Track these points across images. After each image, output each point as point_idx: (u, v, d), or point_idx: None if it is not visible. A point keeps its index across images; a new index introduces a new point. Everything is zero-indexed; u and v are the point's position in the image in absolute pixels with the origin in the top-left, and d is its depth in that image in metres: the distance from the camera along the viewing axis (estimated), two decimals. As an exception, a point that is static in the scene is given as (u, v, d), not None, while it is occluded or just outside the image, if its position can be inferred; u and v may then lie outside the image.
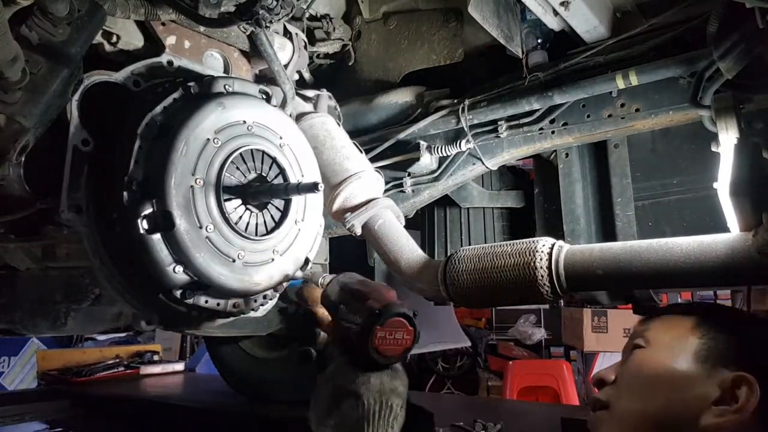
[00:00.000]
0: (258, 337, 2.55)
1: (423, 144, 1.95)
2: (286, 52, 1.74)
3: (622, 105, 1.67)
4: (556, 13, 1.62)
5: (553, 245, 1.38)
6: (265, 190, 1.35)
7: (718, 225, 1.47)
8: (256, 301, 1.44)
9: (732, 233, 1.22)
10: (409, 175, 2.03)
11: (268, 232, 1.39)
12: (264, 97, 1.47)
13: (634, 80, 1.55)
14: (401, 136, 2.00)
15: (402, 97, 2.09)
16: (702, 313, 1.04)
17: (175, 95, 1.33)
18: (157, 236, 1.21)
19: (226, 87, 1.38)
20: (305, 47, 1.83)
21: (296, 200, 1.43)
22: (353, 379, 0.99)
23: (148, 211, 1.20)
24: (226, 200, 1.29)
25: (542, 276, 1.33)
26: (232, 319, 1.45)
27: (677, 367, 0.96)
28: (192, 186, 1.24)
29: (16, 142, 1.10)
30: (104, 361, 3.71)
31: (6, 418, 2.81)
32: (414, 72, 2.11)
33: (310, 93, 1.82)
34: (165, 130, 1.26)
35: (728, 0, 1.26)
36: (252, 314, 1.48)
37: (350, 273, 1.21)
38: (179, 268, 1.24)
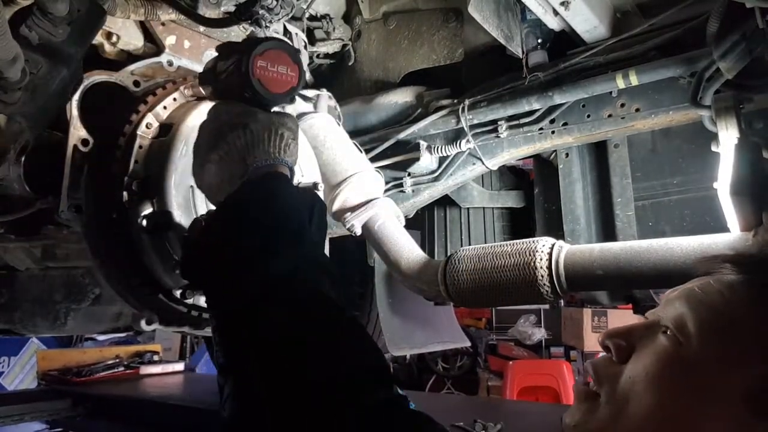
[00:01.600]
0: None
1: (423, 144, 1.95)
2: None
3: (622, 105, 1.67)
4: (556, 13, 1.62)
5: (553, 245, 1.38)
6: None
7: (718, 225, 1.47)
8: (256, 301, 1.44)
9: (732, 233, 1.22)
10: (409, 175, 2.03)
11: (268, 232, 1.39)
12: (264, 97, 1.47)
13: (634, 80, 1.55)
14: (401, 136, 1.99)
15: (402, 97, 2.09)
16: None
17: (175, 95, 1.33)
18: (157, 236, 1.21)
19: (226, 87, 1.38)
20: (305, 47, 1.83)
21: (296, 200, 1.43)
22: (239, 112, 0.91)
23: (148, 210, 1.20)
24: (226, 200, 1.29)
25: (542, 276, 1.33)
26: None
27: (708, 378, 0.64)
28: (192, 186, 1.24)
29: (16, 142, 1.10)
30: (104, 361, 3.70)
31: (6, 418, 2.80)
32: (414, 72, 2.11)
33: (310, 93, 1.81)
34: (165, 130, 1.26)
35: (728, 0, 1.26)
36: (252, 314, 1.48)
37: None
38: (179, 268, 1.24)
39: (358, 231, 1.66)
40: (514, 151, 1.88)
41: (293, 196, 0.86)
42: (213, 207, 0.96)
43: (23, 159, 1.22)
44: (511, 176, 2.38)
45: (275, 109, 0.98)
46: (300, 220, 0.83)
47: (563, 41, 1.77)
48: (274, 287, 0.74)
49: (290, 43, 0.98)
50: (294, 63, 0.95)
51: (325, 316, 0.74)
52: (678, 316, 0.69)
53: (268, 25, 1.42)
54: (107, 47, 1.40)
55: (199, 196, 1.25)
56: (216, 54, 1.00)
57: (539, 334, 6.92)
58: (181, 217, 1.21)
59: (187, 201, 1.23)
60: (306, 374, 0.68)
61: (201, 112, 1.29)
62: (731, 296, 0.67)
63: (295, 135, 0.94)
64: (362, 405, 0.66)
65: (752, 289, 0.66)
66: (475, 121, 1.89)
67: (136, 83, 1.37)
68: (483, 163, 1.92)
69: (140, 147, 1.25)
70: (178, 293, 1.26)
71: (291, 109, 1.64)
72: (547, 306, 6.78)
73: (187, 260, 0.90)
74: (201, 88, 1.09)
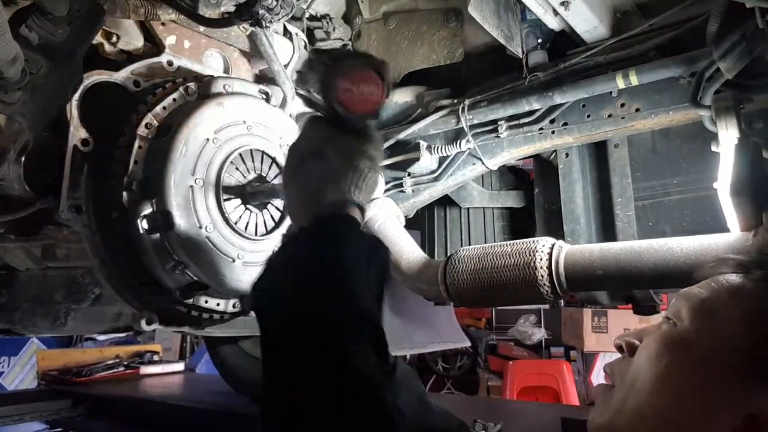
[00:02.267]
0: (258, 337, 2.54)
1: (423, 144, 1.95)
2: (286, 52, 1.74)
3: (622, 105, 1.67)
4: (556, 13, 1.62)
5: (553, 245, 1.38)
6: (264, 190, 1.35)
7: (718, 225, 1.47)
8: (256, 301, 1.44)
9: (732, 233, 1.22)
10: (409, 175, 2.03)
11: (268, 232, 1.39)
12: (264, 97, 1.47)
13: (634, 80, 1.55)
14: (401, 136, 1.99)
15: (402, 97, 2.09)
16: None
17: (175, 95, 1.33)
18: (156, 236, 1.21)
19: (226, 87, 1.38)
20: (305, 47, 1.83)
21: (296, 200, 1.43)
22: (322, 138, 0.89)
23: (147, 211, 1.20)
24: (225, 200, 1.29)
25: (542, 276, 1.33)
26: (231, 319, 1.45)
27: (709, 370, 0.68)
28: (191, 186, 1.24)
29: (16, 142, 1.11)
30: (104, 361, 3.70)
31: (6, 418, 2.80)
32: (414, 72, 2.11)
33: (310, 93, 1.81)
34: (165, 130, 1.26)
35: (728, 0, 1.26)
36: (252, 314, 1.48)
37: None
38: (179, 268, 1.24)
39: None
40: (514, 151, 1.88)
41: (354, 247, 0.84)
42: None
43: (23, 159, 1.22)
44: (511, 176, 2.38)
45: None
46: (353, 274, 0.80)
47: (563, 41, 1.77)
48: (311, 347, 0.73)
49: (379, 59, 0.91)
50: (379, 78, 0.90)
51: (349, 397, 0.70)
52: (675, 307, 0.77)
53: (268, 25, 1.43)
54: (107, 47, 1.40)
55: (199, 196, 1.25)
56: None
57: (539, 334, 6.92)
58: (181, 218, 1.21)
59: (186, 201, 1.23)
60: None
61: (201, 113, 1.29)
62: (722, 287, 0.74)
63: (374, 163, 0.92)
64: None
65: (746, 281, 0.73)
66: (475, 121, 1.89)
67: (136, 83, 1.37)
68: (483, 163, 1.92)
69: (140, 147, 1.25)
70: (178, 293, 1.26)
71: (291, 109, 1.65)
72: (547, 306, 6.79)
73: (260, 292, 0.88)
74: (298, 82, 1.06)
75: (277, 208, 1.42)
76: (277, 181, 1.40)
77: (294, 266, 0.82)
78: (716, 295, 0.73)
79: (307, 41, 1.86)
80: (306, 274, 0.79)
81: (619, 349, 0.81)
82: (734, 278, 0.74)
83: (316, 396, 0.70)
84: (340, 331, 0.74)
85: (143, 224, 1.20)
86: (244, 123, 1.36)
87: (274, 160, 1.40)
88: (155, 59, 1.41)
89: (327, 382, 0.70)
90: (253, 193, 1.34)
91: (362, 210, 0.91)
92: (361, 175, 0.89)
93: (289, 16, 1.54)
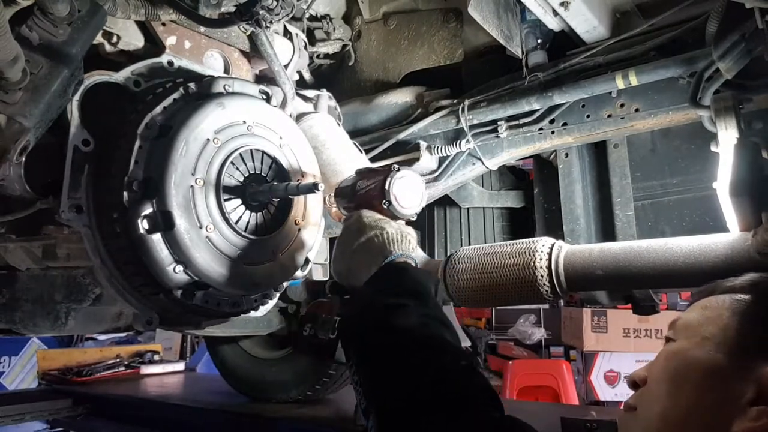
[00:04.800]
0: (258, 337, 2.55)
1: (423, 144, 1.95)
2: (286, 53, 1.74)
3: (622, 105, 1.67)
4: (555, 13, 1.62)
5: (552, 245, 1.38)
6: (265, 190, 1.35)
7: (718, 225, 1.47)
8: (256, 300, 1.45)
9: (732, 233, 1.22)
10: (409, 175, 2.03)
11: (268, 232, 1.39)
12: (264, 97, 1.47)
13: (633, 80, 1.55)
14: (401, 136, 2.00)
15: (402, 97, 2.09)
16: (754, 292, 0.86)
17: (175, 95, 1.33)
18: (157, 236, 1.22)
19: (226, 87, 1.38)
20: (305, 47, 1.83)
21: (296, 200, 1.43)
22: (378, 218, 1.17)
23: (148, 211, 1.20)
24: (226, 200, 1.30)
25: (542, 276, 1.33)
26: (232, 318, 1.45)
27: (706, 359, 0.80)
28: (192, 186, 1.24)
29: (16, 142, 1.11)
30: (105, 360, 3.70)
31: (6, 417, 2.81)
32: (414, 72, 2.11)
33: (310, 93, 1.82)
34: (165, 130, 1.26)
35: (728, 0, 1.26)
36: (252, 314, 1.49)
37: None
38: (179, 268, 1.24)
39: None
40: (513, 151, 1.88)
41: (421, 273, 1.08)
42: None
43: (24, 159, 1.22)
44: (511, 176, 2.38)
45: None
46: (426, 288, 1.03)
47: (563, 41, 1.77)
48: (406, 334, 0.90)
49: (420, 177, 1.28)
50: (422, 187, 1.25)
51: (449, 357, 0.88)
52: (674, 324, 0.91)
53: (268, 25, 1.43)
54: (108, 47, 1.40)
55: (200, 196, 1.25)
56: (355, 175, 1.29)
57: (539, 333, 6.91)
58: (181, 217, 1.22)
59: (187, 201, 1.23)
60: (428, 402, 0.80)
61: (201, 113, 1.29)
62: (708, 307, 0.88)
63: (415, 240, 1.19)
64: (481, 421, 0.80)
65: (724, 299, 0.87)
66: (475, 121, 1.89)
67: (137, 83, 1.37)
68: (483, 163, 1.92)
69: (140, 147, 1.25)
70: (178, 293, 1.27)
71: (291, 109, 1.65)
72: (546, 306, 6.79)
73: (342, 323, 1.12)
74: (335, 201, 1.33)
75: (277, 208, 1.42)
76: (278, 181, 1.40)
77: (377, 289, 1.04)
78: (703, 314, 0.87)
79: (307, 41, 1.86)
80: (389, 291, 1.00)
81: (633, 385, 0.92)
82: (720, 298, 0.87)
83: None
84: (430, 332, 0.91)
85: (144, 224, 1.20)
86: (245, 123, 1.36)
87: (274, 160, 1.41)
88: (156, 59, 1.41)
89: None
90: (253, 193, 1.35)
91: (416, 264, 1.14)
92: (411, 243, 1.16)
93: (289, 16, 1.54)
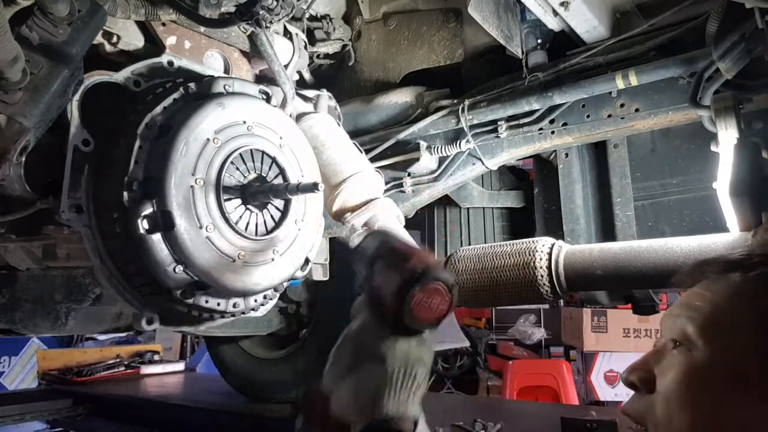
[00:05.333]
0: (258, 337, 2.55)
1: (423, 144, 1.95)
2: (286, 53, 1.74)
3: (622, 105, 1.67)
4: (555, 13, 1.62)
5: (552, 245, 1.38)
6: (265, 190, 1.35)
7: (718, 225, 1.47)
8: (256, 300, 1.45)
9: (732, 233, 1.22)
10: (409, 175, 2.03)
11: (268, 232, 1.39)
12: (264, 97, 1.47)
13: (633, 80, 1.55)
14: (401, 136, 2.00)
15: (402, 97, 2.09)
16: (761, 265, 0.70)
17: (175, 95, 1.33)
18: (157, 236, 1.22)
19: (226, 87, 1.38)
20: (305, 47, 1.83)
21: (296, 200, 1.43)
22: (379, 341, 0.91)
23: (148, 211, 1.20)
24: (226, 200, 1.30)
25: (542, 276, 1.33)
26: (232, 318, 1.45)
27: (737, 389, 0.65)
28: (192, 186, 1.24)
29: (16, 142, 1.11)
30: (105, 360, 3.71)
31: (6, 417, 2.81)
32: (414, 72, 2.11)
33: (310, 93, 1.82)
34: (165, 130, 1.26)
35: (728, 0, 1.26)
36: (252, 314, 1.49)
37: (386, 229, 1.11)
38: (179, 268, 1.24)
39: (359, 230, 1.66)
40: (513, 151, 1.88)
41: None
42: None
43: (24, 159, 1.22)
44: (511, 176, 2.38)
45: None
46: None
47: (563, 41, 1.77)
48: None
49: (450, 277, 0.95)
50: (448, 295, 0.93)
51: None
52: (679, 327, 0.73)
53: (268, 25, 1.43)
54: (107, 47, 1.40)
55: (200, 196, 1.25)
56: (377, 258, 0.97)
57: (539, 333, 6.91)
58: (181, 217, 1.22)
59: (187, 201, 1.23)
60: None
61: (201, 113, 1.29)
62: (718, 293, 0.72)
63: (428, 371, 0.95)
64: None
65: (737, 281, 0.71)
66: (475, 121, 1.89)
67: (137, 83, 1.37)
68: (483, 163, 1.92)
69: (140, 147, 1.25)
70: (178, 293, 1.27)
71: (291, 109, 1.65)
72: (546, 306, 6.79)
73: None
74: (356, 258, 1.02)
75: (277, 208, 1.42)
76: (278, 181, 1.40)
77: None
78: (719, 306, 0.70)
79: (307, 41, 1.86)
80: None
81: (632, 386, 0.78)
82: (730, 280, 0.71)
83: None
84: None
85: (144, 224, 1.20)
86: (245, 123, 1.36)
87: (274, 160, 1.41)
88: (156, 59, 1.41)
89: None
90: (253, 193, 1.35)
91: (416, 425, 0.92)
92: (416, 382, 0.92)
93: (289, 16, 1.54)
